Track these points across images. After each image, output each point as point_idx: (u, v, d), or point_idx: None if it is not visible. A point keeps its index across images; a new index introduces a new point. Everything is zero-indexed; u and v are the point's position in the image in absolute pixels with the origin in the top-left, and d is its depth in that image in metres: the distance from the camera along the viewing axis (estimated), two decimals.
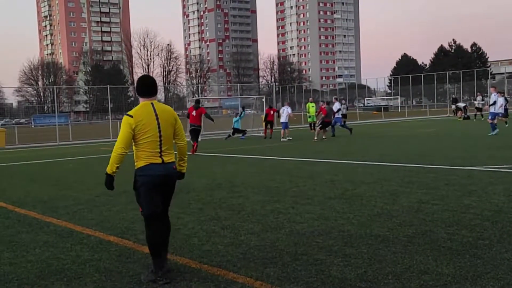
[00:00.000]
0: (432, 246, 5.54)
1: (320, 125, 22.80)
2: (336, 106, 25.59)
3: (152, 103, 4.90)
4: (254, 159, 16.14)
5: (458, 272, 4.70)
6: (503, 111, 23.53)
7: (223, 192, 9.65)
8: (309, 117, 31.44)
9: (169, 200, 5.07)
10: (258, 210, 7.88)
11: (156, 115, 4.84)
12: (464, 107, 39.33)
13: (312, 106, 31.35)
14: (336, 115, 25.13)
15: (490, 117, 21.85)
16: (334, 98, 28.53)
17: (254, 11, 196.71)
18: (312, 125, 30.57)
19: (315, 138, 22.40)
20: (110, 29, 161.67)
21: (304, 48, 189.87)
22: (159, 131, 4.83)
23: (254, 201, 8.58)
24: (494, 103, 21.90)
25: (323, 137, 22.79)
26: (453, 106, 42.69)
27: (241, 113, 27.91)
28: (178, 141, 5.09)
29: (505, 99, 23.97)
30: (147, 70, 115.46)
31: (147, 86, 4.95)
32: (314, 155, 16.24)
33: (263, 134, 27.26)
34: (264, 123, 26.88)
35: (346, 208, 7.68)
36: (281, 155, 16.82)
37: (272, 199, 8.72)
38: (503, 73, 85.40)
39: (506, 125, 25.21)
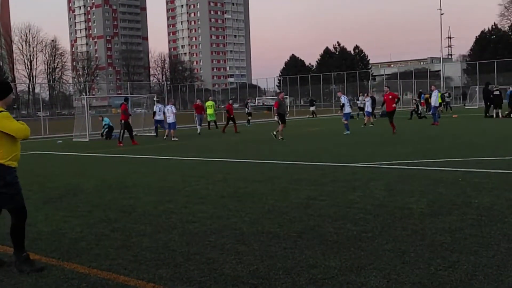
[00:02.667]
0: (320, 241, 5.76)
1: (280, 120, 21.54)
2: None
3: None
4: (146, 159, 15.85)
5: (344, 264, 4.93)
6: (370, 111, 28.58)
7: (114, 194, 9.38)
8: (209, 115, 31.21)
9: None
10: (150, 211, 7.75)
11: None
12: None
13: (210, 106, 31.16)
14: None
15: (344, 118, 23.69)
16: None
17: (144, 9, 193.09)
18: (212, 123, 31.04)
19: (280, 137, 20.75)
20: None
21: (196, 47, 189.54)
22: None
23: (146, 202, 8.43)
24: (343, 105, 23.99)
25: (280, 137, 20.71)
26: (312, 108, 44.45)
27: None
28: None
29: (374, 99, 26.63)
30: (29, 66, 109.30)
31: None
32: (207, 154, 16.26)
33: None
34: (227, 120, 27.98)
35: (239, 206, 7.77)
36: (173, 155, 16.66)
37: (164, 199, 8.62)
38: (382, 75, 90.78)
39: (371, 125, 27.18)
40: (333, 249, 5.44)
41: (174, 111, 24.81)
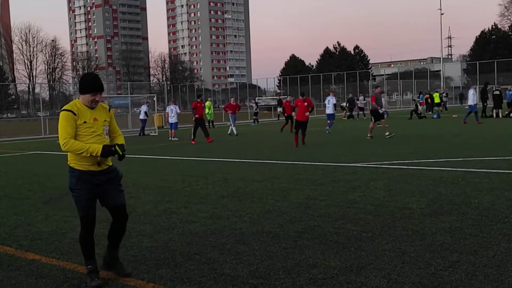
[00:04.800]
0: (320, 241, 5.76)
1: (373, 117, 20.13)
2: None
3: None
4: (146, 159, 15.85)
5: (344, 264, 4.93)
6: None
7: None
8: (209, 114, 31.39)
9: None
10: (150, 210, 7.75)
11: None
12: (348, 106, 41.21)
13: (209, 106, 31.44)
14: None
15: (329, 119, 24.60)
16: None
17: (144, 9, 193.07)
18: (212, 123, 31.12)
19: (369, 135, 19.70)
20: None
21: (196, 47, 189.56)
22: None
23: (146, 202, 8.43)
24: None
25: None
26: (279, 109, 43.92)
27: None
28: None
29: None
30: (29, 66, 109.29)
31: None
32: (207, 154, 16.26)
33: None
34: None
35: (238, 206, 7.77)
36: (173, 155, 16.66)
37: (164, 199, 8.62)
38: (382, 75, 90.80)
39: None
40: (333, 249, 5.44)
41: (178, 111, 25.09)
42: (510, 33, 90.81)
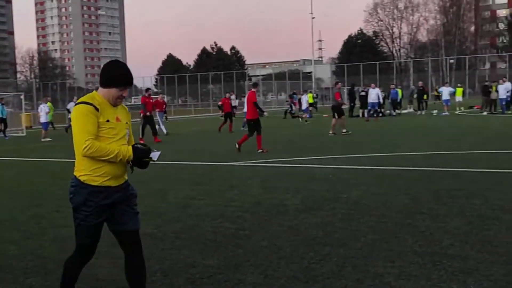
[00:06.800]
0: (198, 240, 5.77)
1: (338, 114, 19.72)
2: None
3: None
4: (11, 161, 14.85)
5: (222, 262, 4.98)
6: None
7: None
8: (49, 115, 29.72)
9: None
10: (17, 216, 7.28)
11: None
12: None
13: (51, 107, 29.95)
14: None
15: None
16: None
17: (9, 1, 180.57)
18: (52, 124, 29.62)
19: (331, 131, 19.46)
20: None
21: (67, 43, 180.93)
22: None
23: (12, 207, 7.91)
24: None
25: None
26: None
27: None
28: None
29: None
30: None
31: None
32: None
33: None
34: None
35: None
36: (42, 156, 15.78)
37: (33, 203, 8.14)
38: (258, 75, 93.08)
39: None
40: (211, 248, 5.48)
41: (47, 110, 23.63)
42: (374, 38, 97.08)
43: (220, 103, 34.60)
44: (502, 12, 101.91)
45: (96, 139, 3.55)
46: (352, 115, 32.66)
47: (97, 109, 3.56)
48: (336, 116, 19.66)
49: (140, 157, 3.67)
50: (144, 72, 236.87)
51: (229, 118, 24.43)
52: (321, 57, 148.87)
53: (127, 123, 3.81)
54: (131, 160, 3.65)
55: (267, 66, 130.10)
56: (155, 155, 3.72)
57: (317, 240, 5.62)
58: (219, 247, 5.50)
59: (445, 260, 4.80)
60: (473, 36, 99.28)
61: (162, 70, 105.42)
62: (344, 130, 19.42)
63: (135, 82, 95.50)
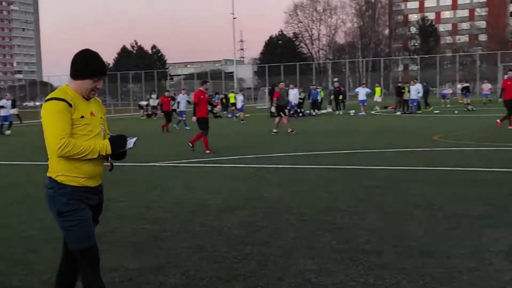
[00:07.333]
0: (119, 243, 5.65)
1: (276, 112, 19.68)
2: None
3: None
4: None
5: (143, 265, 4.90)
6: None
7: None
8: None
9: None
10: None
11: None
12: (147, 105, 41.03)
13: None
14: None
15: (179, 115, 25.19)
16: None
17: None
18: None
19: (275, 130, 19.46)
20: None
21: None
22: None
23: None
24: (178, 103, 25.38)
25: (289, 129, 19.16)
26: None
27: None
28: None
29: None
30: None
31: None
32: None
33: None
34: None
35: (28, 213, 7.23)
36: None
37: None
38: (180, 75, 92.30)
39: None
40: (132, 250, 5.38)
41: None
42: (294, 39, 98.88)
43: (158, 102, 34.07)
44: (413, 17, 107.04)
45: (71, 137, 3.29)
46: (273, 115, 33.12)
47: (70, 105, 3.29)
48: (279, 115, 19.78)
49: (119, 148, 3.43)
50: (60, 70, 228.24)
51: (167, 117, 24.31)
52: (243, 57, 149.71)
53: (101, 117, 3.58)
54: (110, 153, 3.39)
55: (189, 66, 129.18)
56: (130, 142, 3.50)
57: (239, 240, 5.65)
58: (140, 249, 5.41)
59: (362, 256, 4.97)
60: (388, 39, 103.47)
61: None
62: (274, 131, 19.61)
63: (51, 81, 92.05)
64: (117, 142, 3.43)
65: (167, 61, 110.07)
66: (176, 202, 7.70)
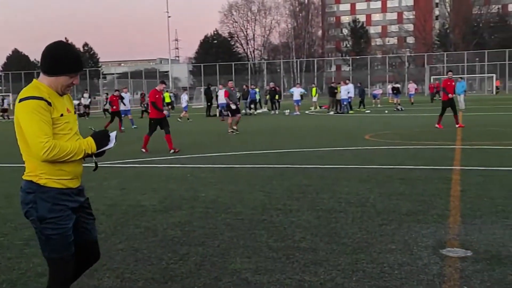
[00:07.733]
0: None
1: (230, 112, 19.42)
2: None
3: None
4: None
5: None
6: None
7: None
8: None
9: None
10: None
11: None
12: (78, 104, 39.92)
13: None
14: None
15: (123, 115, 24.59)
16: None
17: None
18: None
19: (230, 130, 19.25)
20: None
21: None
22: None
23: None
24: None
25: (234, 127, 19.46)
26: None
27: None
28: None
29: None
30: None
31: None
32: None
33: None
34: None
35: None
36: None
37: None
38: (113, 74, 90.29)
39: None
40: None
41: None
42: (229, 39, 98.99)
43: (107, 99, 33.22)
44: (345, 19, 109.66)
45: (53, 138, 3.06)
46: (209, 115, 33.03)
47: (49, 104, 3.05)
48: (230, 115, 19.81)
49: (103, 145, 3.28)
50: None
51: (118, 116, 23.58)
52: (178, 56, 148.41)
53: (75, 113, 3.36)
54: (95, 151, 3.23)
55: (122, 64, 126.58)
56: (113, 137, 3.36)
57: (175, 240, 5.61)
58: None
59: (298, 253, 5.05)
60: (321, 40, 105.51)
61: (7, 67, 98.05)
62: (234, 128, 19.53)
63: None
64: (101, 139, 3.27)
65: (100, 60, 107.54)
66: (110, 203, 7.55)
